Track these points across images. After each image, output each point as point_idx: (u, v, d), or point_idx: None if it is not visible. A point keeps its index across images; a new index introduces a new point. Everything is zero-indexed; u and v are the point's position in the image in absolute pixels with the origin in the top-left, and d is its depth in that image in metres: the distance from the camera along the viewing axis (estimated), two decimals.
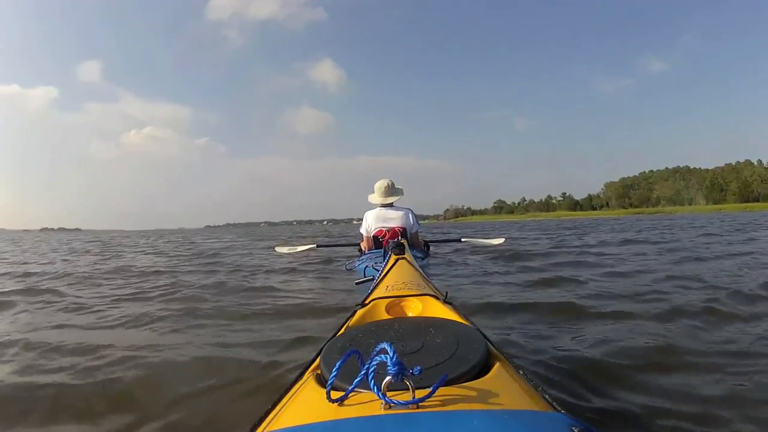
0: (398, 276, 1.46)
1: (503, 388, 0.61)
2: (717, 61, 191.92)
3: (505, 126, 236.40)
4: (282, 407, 0.64)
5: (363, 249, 3.73)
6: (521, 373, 0.69)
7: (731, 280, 2.61)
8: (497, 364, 0.68)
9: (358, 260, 3.43)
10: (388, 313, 1.05)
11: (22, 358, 1.65)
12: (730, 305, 1.93)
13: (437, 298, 1.10)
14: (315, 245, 5.06)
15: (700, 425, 0.97)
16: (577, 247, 5.69)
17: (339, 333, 0.93)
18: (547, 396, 0.61)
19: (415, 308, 1.08)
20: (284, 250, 5.26)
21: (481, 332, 0.80)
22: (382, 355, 0.56)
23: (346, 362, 0.60)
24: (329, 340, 0.84)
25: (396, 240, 2.00)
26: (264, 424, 0.60)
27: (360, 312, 1.06)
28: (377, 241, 3.59)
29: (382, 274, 1.55)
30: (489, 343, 0.76)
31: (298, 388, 0.70)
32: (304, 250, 5.01)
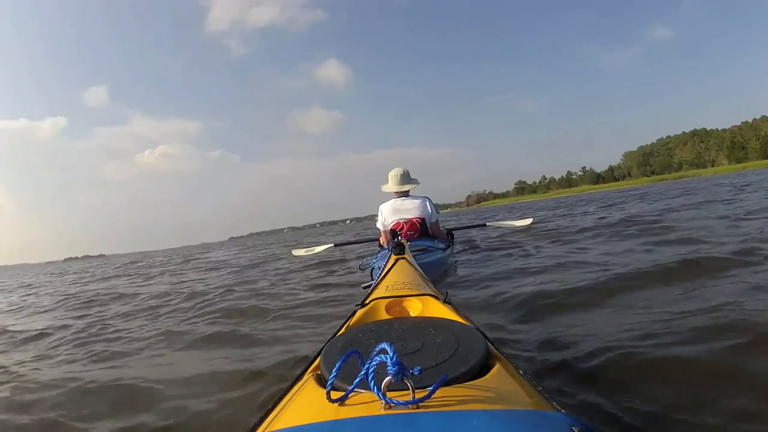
0: (398, 276, 1.46)
1: (503, 388, 0.61)
2: (721, 23, 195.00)
3: (514, 109, 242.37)
4: (282, 407, 0.64)
5: (382, 244, 3.53)
6: (521, 373, 0.69)
7: None
8: (497, 364, 0.68)
9: (374, 258, 3.17)
10: (388, 313, 1.05)
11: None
12: None
13: (437, 298, 1.10)
14: (333, 244, 4.85)
15: (704, 427, 0.96)
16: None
17: (339, 333, 0.93)
18: (547, 396, 0.61)
19: (415, 308, 1.08)
20: (301, 252, 5.08)
21: (481, 332, 0.80)
22: (382, 355, 0.56)
23: (346, 362, 0.60)
24: (329, 340, 0.84)
25: (395, 240, 1.99)
26: (264, 425, 0.60)
27: (360, 312, 1.06)
28: (395, 235, 3.31)
29: (382, 274, 1.55)
30: (489, 343, 0.76)
31: (298, 389, 0.70)
32: (321, 251, 4.81)
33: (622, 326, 1.63)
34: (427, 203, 3.42)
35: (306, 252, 5.00)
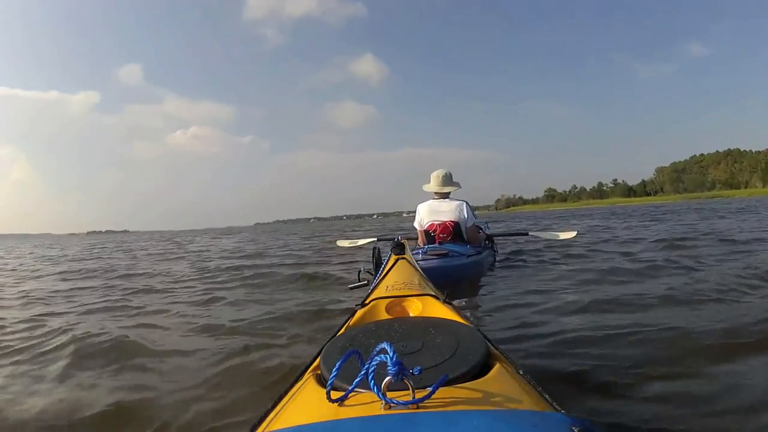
0: (398, 276, 1.45)
1: (503, 388, 0.61)
2: (758, 43, 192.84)
3: (547, 115, 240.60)
4: (282, 407, 0.64)
5: (419, 244, 3.51)
6: (521, 373, 0.69)
7: None
8: (497, 364, 0.68)
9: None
10: (388, 313, 1.05)
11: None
12: None
13: (437, 298, 1.10)
14: (375, 239, 4.95)
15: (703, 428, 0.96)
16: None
17: (339, 333, 0.93)
18: (547, 396, 0.61)
19: (415, 308, 1.08)
20: (345, 244, 5.25)
21: (481, 332, 0.80)
22: (382, 355, 0.56)
23: (346, 362, 0.60)
24: (329, 340, 0.84)
25: (396, 239, 1.98)
26: (264, 424, 0.60)
27: (360, 312, 1.06)
28: (429, 236, 3.38)
29: (383, 274, 1.55)
30: (489, 343, 0.76)
31: (298, 388, 0.70)
32: (364, 244, 4.93)
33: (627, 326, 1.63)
34: (464, 207, 3.39)
35: (350, 244, 5.17)
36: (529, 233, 4.75)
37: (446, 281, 2.65)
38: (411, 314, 1.07)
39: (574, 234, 4.51)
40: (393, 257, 1.77)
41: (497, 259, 3.87)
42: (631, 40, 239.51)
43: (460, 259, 2.98)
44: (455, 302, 1.10)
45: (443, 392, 0.56)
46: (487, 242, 3.81)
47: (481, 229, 3.86)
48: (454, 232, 3.34)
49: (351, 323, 1.01)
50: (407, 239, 4.97)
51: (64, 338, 1.96)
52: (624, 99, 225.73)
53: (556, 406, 0.58)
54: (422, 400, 0.53)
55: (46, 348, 1.88)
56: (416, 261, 2.69)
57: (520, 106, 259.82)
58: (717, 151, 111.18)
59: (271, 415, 0.63)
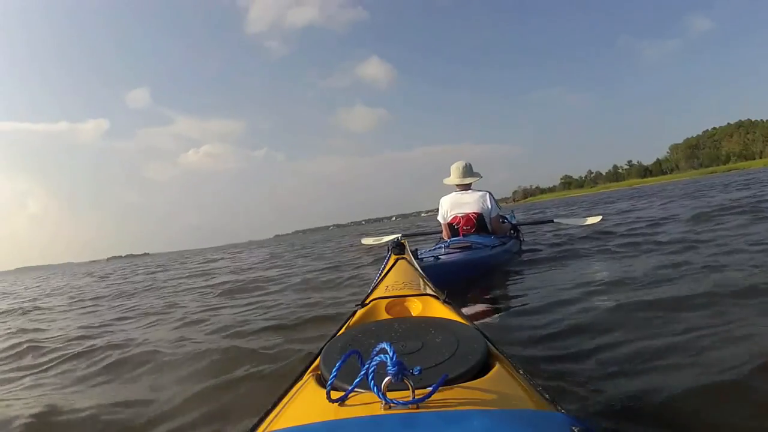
0: (398, 276, 1.45)
1: (503, 388, 0.61)
2: (762, 11, 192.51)
3: (558, 103, 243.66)
4: (282, 407, 0.64)
5: (443, 237, 3.51)
6: (521, 373, 0.69)
7: None
8: (497, 364, 0.68)
9: (423, 250, 2.91)
10: (388, 313, 1.05)
11: None
12: None
13: (437, 298, 1.10)
14: (400, 235, 4.83)
15: (703, 427, 0.96)
16: None
17: (339, 333, 0.93)
18: (547, 396, 0.61)
19: (415, 308, 1.08)
20: (369, 241, 5.28)
21: (481, 332, 0.80)
22: (382, 355, 0.56)
23: (346, 362, 0.60)
24: (329, 341, 0.84)
25: (395, 239, 1.97)
26: (264, 425, 0.60)
27: (360, 312, 1.06)
28: (453, 229, 3.38)
29: (382, 274, 1.55)
30: (489, 343, 0.76)
31: (298, 389, 0.70)
32: (388, 241, 4.83)
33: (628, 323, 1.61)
34: (487, 198, 3.38)
35: (374, 241, 5.20)
36: (554, 220, 4.79)
37: (471, 274, 2.67)
38: (411, 314, 1.07)
39: (599, 219, 4.49)
40: (393, 257, 1.77)
41: (523, 248, 3.83)
42: (635, 20, 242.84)
43: (484, 251, 2.95)
44: (455, 302, 1.10)
45: (443, 392, 0.56)
46: (512, 232, 3.79)
47: (506, 218, 3.85)
48: (478, 223, 3.33)
49: (351, 323, 1.01)
50: (409, 236, 4.96)
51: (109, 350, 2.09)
52: (632, 79, 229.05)
53: (556, 406, 0.58)
54: (422, 400, 0.53)
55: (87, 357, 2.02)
56: (439, 255, 2.70)
57: (529, 97, 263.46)
58: (729, 123, 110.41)
59: (271, 415, 0.63)
